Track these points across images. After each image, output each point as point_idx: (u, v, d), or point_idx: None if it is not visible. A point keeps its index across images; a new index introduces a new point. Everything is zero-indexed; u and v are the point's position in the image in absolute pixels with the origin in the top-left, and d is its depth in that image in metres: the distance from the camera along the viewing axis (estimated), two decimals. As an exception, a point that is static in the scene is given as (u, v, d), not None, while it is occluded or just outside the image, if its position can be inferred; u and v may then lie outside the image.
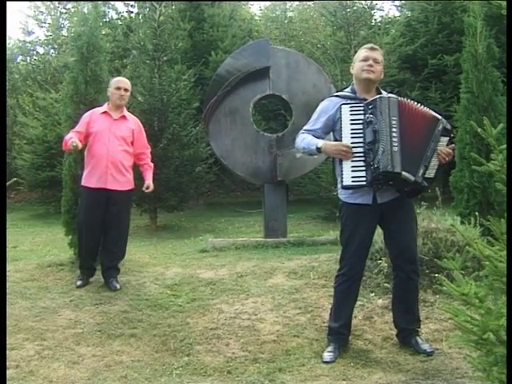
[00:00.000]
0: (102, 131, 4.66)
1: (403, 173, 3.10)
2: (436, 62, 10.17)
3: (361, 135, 3.16)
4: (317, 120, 3.39)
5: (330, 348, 3.31)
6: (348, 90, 3.44)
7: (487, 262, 1.99)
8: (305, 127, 3.45)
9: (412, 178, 3.13)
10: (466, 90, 5.10)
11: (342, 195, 3.36)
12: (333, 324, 3.40)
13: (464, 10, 9.56)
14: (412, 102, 3.24)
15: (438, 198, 4.66)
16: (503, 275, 1.96)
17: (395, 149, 3.09)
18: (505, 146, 2.10)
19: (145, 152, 4.94)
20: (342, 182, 3.20)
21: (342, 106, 3.22)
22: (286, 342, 3.51)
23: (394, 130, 3.10)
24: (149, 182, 4.85)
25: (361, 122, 3.17)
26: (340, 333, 3.38)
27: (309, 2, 15.91)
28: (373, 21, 11.98)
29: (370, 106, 3.15)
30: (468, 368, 2.96)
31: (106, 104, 4.83)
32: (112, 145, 4.66)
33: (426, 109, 3.24)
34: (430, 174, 3.20)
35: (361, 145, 3.16)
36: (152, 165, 4.99)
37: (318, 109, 3.45)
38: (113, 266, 4.77)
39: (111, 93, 4.77)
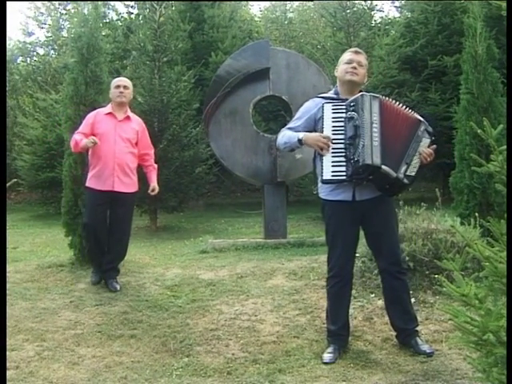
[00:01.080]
0: (108, 133, 4.64)
1: (383, 166, 3.13)
2: (436, 62, 10.18)
3: (342, 132, 3.20)
4: (299, 119, 3.46)
5: (329, 349, 3.31)
6: (331, 92, 3.50)
7: (487, 263, 1.99)
8: (287, 126, 3.53)
9: (394, 173, 3.16)
10: (465, 91, 5.10)
11: (322, 193, 3.38)
12: (331, 326, 3.40)
13: (464, 11, 9.57)
14: (394, 102, 3.28)
15: (437, 198, 4.66)
16: (503, 276, 1.96)
17: (375, 143, 3.12)
18: (505, 146, 2.10)
19: (149, 153, 4.94)
20: (322, 176, 3.23)
21: (325, 105, 3.27)
22: (285, 343, 3.51)
23: (374, 125, 3.14)
24: (154, 184, 4.87)
25: (342, 119, 3.21)
26: (339, 334, 3.38)
27: (309, 3, 15.94)
28: (373, 22, 12.01)
29: (352, 104, 3.19)
30: (468, 369, 2.96)
31: (110, 105, 4.82)
32: (118, 146, 4.65)
33: (408, 110, 3.27)
34: (412, 172, 3.22)
35: (342, 141, 3.20)
36: (156, 166, 5.00)
37: (301, 109, 3.51)
38: (113, 266, 4.78)
39: (112, 93, 4.77)
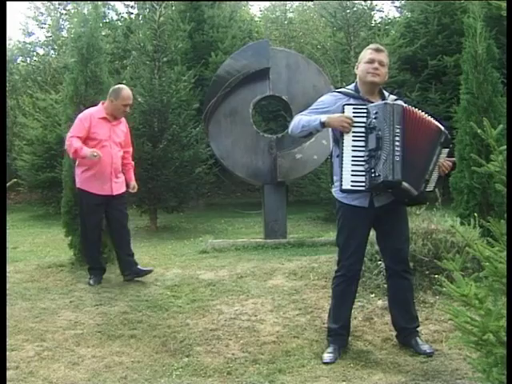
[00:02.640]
0: (106, 139, 4.71)
1: (404, 183, 3.10)
2: (436, 62, 10.19)
3: (363, 139, 3.15)
4: (316, 110, 3.36)
5: (329, 349, 3.31)
6: (351, 87, 3.40)
7: (487, 263, 1.99)
8: (302, 113, 3.41)
9: (415, 191, 3.15)
10: (465, 91, 5.10)
11: (338, 195, 3.36)
12: (332, 325, 3.40)
13: (464, 11, 9.56)
14: (416, 110, 3.20)
15: (437, 199, 4.65)
16: (503, 276, 1.96)
17: (397, 158, 3.07)
18: (505, 147, 2.11)
19: (129, 151, 5.04)
20: (340, 185, 3.20)
21: (345, 107, 3.20)
22: (285, 343, 3.51)
23: (397, 138, 3.08)
24: (133, 182, 5.00)
25: (363, 125, 3.15)
26: (340, 334, 3.38)
27: (309, 3, 15.92)
28: (373, 22, 12.00)
29: (375, 111, 3.12)
30: (468, 369, 2.96)
31: (102, 106, 4.81)
32: (113, 151, 4.75)
33: (429, 118, 3.21)
34: (431, 187, 3.23)
35: (362, 149, 3.15)
36: (133, 163, 5.09)
37: (319, 100, 3.41)
38: (131, 253, 4.91)
39: (116, 106, 4.73)
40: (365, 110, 3.16)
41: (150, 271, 4.86)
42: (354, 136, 3.16)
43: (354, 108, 3.18)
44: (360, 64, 3.35)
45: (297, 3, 16.87)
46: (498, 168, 2.10)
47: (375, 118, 3.11)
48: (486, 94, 4.97)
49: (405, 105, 3.22)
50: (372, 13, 11.58)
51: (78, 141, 4.62)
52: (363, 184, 3.14)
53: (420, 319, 3.53)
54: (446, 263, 2.18)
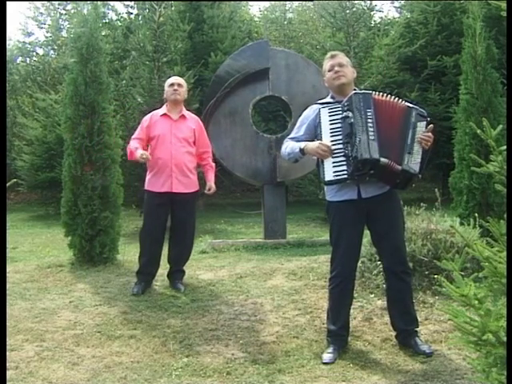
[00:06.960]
0: (164, 134, 4.55)
1: (382, 159, 3.15)
2: (435, 63, 10.20)
3: (339, 133, 3.25)
4: (299, 128, 3.50)
5: (329, 349, 3.32)
6: (328, 97, 3.54)
7: (487, 263, 1.99)
8: (289, 136, 3.57)
9: (399, 167, 3.19)
10: (465, 92, 5.11)
11: (328, 195, 3.42)
12: (331, 326, 3.41)
13: (463, 12, 9.60)
14: (386, 95, 3.31)
15: (437, 199, 4.67)
16: (503, 276, 1.96)
17: (372, 137, 3.16)
18: (504, 147, 2.11)
19: (207, 151, 4.86)
20: (324, 178, 3.27)
21: (321, 110, 3.33)
22: (285, 343, 3.51)
23: (369, 120, 3.19)
24: (211, 183, 4.77)
25: (339, 120, 3.26)
26: (339, 334, 3.38)
27: (308, 3, 15.94)
28: (372, 22, 12.02)
29: (346, 104, 3.24)
30: (467, 369, 2.97)
31: (164, 106, 4.72)
32: (174, 147, 4.55)
33: (399, 100, 3.31)
34: (416, 159, 3.25)
35: (340, 141, 3.24)
36: (214, 165, 4.91)
37: (300, 118, 3.56)
38: (178, 269, 4.78)
39: (166, 92, 4.69)
40: (339, 107, 3.28)
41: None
42: (331, 132, 3.27)
43: (329, 109, 3.31)
44: (325, 76, 3.49)
45: (296, 3, 16.92)
46: (498, 168, 2.10)
47: (348, 110, 3.22)
48: (486, 95, 4.99)
49: (373, 92, 3.31)
50: (371, 13, 11.59)
51: (135, 142, 4.53)
52: (345, 172, 3.20)
53: (419, 319, 3.53)
54: (445, 263, 2.18)
